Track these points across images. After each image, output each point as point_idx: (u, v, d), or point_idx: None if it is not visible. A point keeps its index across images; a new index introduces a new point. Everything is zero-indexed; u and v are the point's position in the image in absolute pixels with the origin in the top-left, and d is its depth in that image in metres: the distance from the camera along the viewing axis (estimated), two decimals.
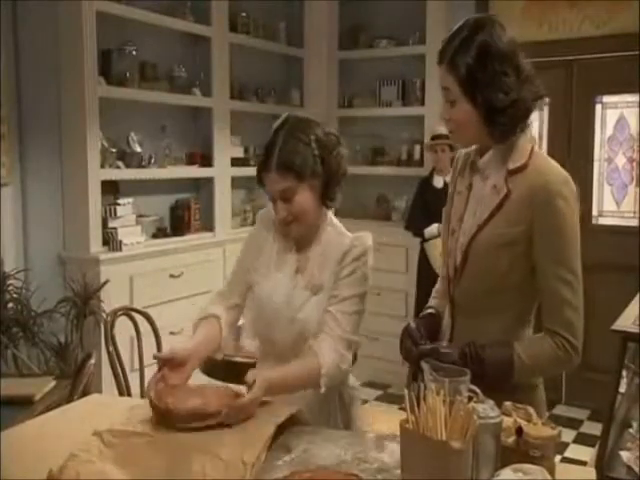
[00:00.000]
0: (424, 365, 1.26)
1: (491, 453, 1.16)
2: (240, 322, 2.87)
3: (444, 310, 1.69)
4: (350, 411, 1.81)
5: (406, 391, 1.10)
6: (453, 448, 0.99)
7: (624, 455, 2.31)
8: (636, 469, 2.25)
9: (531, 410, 1.33)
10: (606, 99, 4.41)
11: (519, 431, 1.19)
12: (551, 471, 1.16)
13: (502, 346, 1.47)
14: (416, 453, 1.04)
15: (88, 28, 3.41)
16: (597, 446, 2.58)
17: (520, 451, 1.18)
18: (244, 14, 4.51)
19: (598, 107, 4.43)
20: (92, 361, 2.09)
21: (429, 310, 1.71)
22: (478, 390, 1.21)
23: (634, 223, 4.28)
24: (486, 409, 1.18)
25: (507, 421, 1.25)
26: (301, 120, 1.74)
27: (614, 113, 4.39)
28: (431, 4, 4.69)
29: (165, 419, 1.40)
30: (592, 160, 4.46)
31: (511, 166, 1.50)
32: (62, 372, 3.13)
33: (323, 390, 1.62)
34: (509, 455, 1.18)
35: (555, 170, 1.49)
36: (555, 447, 1.21)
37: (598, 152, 4.45)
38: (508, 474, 1.06)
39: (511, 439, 1.21)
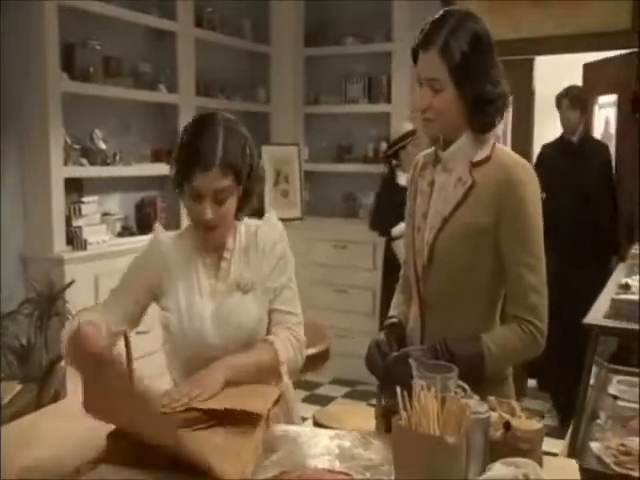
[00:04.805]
0: (412, 362, 1.25)
1: (480, 448, 1.17)
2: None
3: (405, 319, 1.68)
4: (288, 404, 1.73)
5: (398, 389, 1.10)
6: (449, 443, 0.99)
7: (594, 446, 2.37)
8: (606, 459, 2.31)
9: (514, 404, 1.35)
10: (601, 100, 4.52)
11: (507, 425, 1.20)
12: (539, 463, 1.18)
13: (471, 340, 1.48)
14: (410, 450, 1.03)
15: (50, 21, 3.32)
16: (567, 438, 2.64)
17: (508, 445, 1.19)
18: (210, 9, 4.45)
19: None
20: (63, 363, 2.04)
21: (392, 320, 1.70)
22: (466, 386, 1.21)
23: None
24: (475, 404, 1.19)
25: (492, 416, 1.26)
26: (234, 120, 1.65)
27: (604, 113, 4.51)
28: (397, 3, 4.72)
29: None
30: None
31: (475, 158, 1.53)
32: (26, 375, 3.04)
33: (286, 379, 1.59)
34: (497, 449, 1.19)
35: (517, 160, 1.54)
36: (542, 440, 1.23)
37: None
38: (500, 468, 1.07)
39: (498, 433, 1.22)
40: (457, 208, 1.51)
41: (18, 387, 2.38)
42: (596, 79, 4.49)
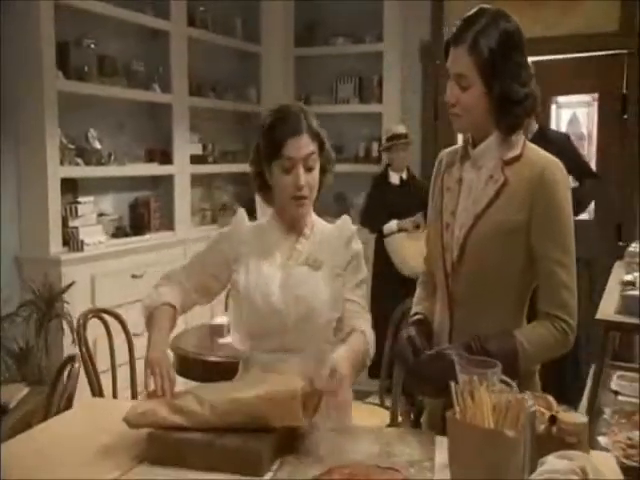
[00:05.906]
0: (455, 358, 1.27)
1: (528, 442, 1.18)
2: (221, 321, 2.77)
3: (429, 314, 1.69)
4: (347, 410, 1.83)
5: (452, 384, 1.11)
6: (509, 437, 1.00)
7: (602, 440, 2.43)
8: (615, 452, 2.36)
9: (550, 398, 1.37)
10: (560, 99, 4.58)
11: (553, 419, 1.21)
12: None
13: (505, 336, 1.49)
14: (467, 444, 1.04)
15: (46, 20, 3.27)
16: None
17: (554, 439, 1.20)
18: (202, 9, 4.43)
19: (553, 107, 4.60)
20: (77, 364, 2.01)
21: (418, 316, 1.69)
22: (510, 381, 1.23)
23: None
24: None
25: None
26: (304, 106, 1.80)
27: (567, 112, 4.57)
28: (388, 3, 4.74)
29: None
30: None
31: (506, 156, 1.54)
32: (24, 378, 3.00)
33: (369, 364, 1.66)
34: (542, 443, 1.21)
35: (549, 158, 1.55)
36: (587, 433, 1.25)
37: None
38: (554, 461, 1.08)
39: (542, 427, 1.24)
40: (489, 206, 1.52)
41: (25, 390, 2.33)
42: (557, 79, 4.53)
